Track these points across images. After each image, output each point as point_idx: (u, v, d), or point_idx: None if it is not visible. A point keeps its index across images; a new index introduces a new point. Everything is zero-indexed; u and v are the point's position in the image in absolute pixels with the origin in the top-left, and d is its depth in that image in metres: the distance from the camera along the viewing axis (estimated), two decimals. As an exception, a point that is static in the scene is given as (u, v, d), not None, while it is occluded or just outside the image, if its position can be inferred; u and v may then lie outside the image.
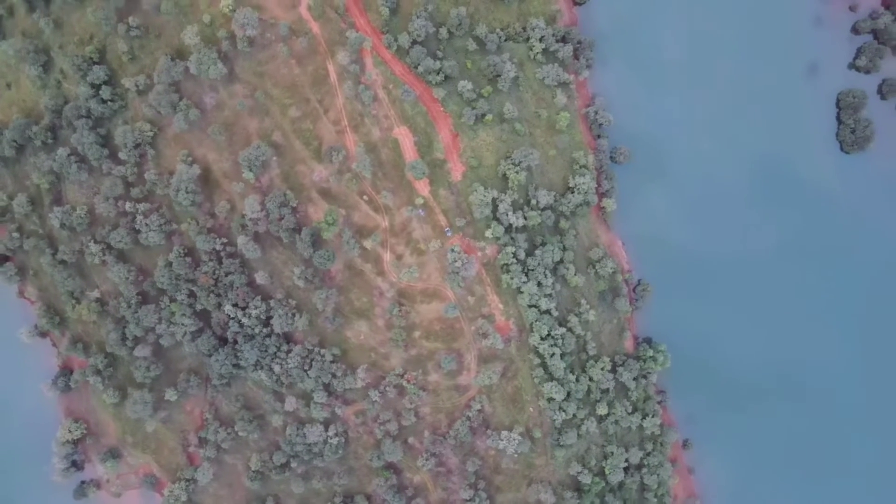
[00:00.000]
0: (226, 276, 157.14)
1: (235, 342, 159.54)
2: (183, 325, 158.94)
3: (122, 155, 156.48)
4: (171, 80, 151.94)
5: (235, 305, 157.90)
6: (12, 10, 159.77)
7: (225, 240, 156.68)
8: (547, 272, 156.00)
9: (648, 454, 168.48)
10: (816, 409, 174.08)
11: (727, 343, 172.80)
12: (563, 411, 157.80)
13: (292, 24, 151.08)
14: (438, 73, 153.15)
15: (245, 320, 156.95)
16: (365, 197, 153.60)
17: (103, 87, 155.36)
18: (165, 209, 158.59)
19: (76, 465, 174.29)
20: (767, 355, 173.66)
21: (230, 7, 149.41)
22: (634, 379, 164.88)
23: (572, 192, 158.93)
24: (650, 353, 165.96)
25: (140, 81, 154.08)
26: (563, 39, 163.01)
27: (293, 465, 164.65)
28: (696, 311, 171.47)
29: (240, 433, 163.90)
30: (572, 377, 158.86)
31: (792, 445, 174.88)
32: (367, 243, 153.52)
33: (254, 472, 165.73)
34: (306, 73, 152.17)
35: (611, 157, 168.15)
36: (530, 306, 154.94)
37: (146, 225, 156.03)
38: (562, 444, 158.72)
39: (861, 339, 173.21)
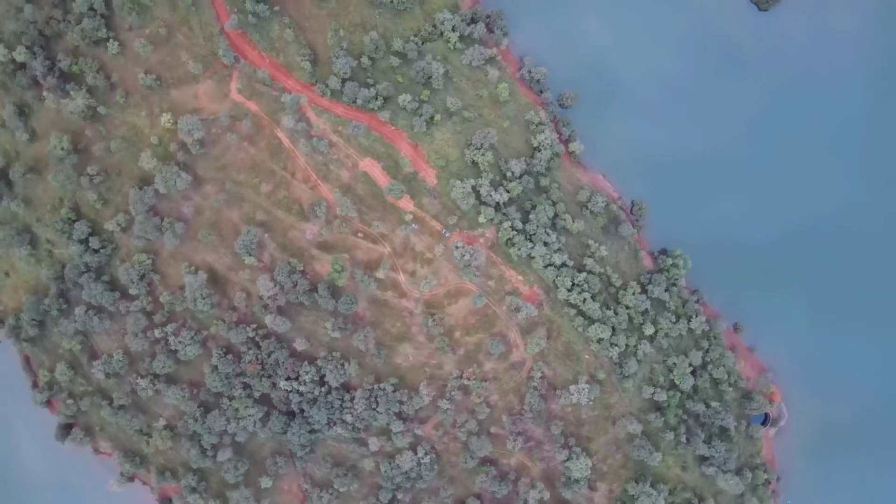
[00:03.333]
0: (269, 356, 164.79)
1: (302, 411, 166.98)
2: (250, 415, 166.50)
3: (132, 291, 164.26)
4: (146, 207, 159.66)
5: (288, 379, 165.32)
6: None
7: (254, 325, 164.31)
8: (547, 230, 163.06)
9: (707, 351, 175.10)
10: (843, 249, 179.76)
11: (734, 223, 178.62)
12: (615, 346, 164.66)
13: (231, 112, 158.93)
14: (377, 99, 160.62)
15: (302, 388, 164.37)
16: (360, 234, 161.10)
17: (90, 239, 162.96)
18: (191, 321, 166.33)
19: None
20: (776, 218, 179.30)
21: (170, 121, 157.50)
22: (666, 290, 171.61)
23: (539, 151, 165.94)
24: (669, 262, 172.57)
25: (120, 220, 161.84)
26: (473, 20, 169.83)
27: (399, 496, 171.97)
28: (694, 206, 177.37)
29: (340, 489, 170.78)
30: (610, 312, 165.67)
31: (836, 290, 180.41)
32: (380, 273, 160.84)
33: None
34: (261, 149, 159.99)
35: (560, 105, 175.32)
36: (546, 266, 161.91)
37: (180, 342, 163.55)
38: (626, 374, 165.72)
39: (854, 174, 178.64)
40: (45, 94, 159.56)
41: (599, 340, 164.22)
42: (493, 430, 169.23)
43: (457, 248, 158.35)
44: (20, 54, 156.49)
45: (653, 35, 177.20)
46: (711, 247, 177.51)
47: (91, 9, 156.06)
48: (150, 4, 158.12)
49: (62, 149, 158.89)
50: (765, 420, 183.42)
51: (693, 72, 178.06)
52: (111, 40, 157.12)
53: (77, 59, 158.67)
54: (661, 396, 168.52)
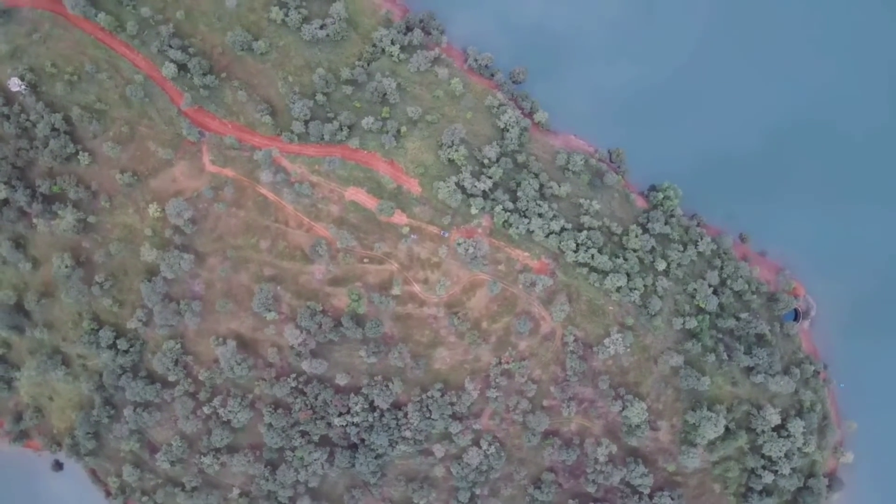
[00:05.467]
0: (316, 399, 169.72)
1: (363, 440, 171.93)
2: (315, 460, 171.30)
3: (171, 377, 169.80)
4: (160, 297, 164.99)
5: (341, 415, 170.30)
6: (9, 345, 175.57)
7: (294, 374, 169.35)
8: (538, 202, 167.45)
9: (722, 268, 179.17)
10: (825, 133, 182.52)
11: (712, 138, 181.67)
12: (634, 289, 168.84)
13: (211, 184, 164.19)
14: (341, 130, 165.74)
15: (356, 419, 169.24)
16: (365, 259, 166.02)
17: (117, 342, 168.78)
18: (234, 389, 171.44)
19: None
20: (751, 122, 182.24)
21: (158, 210, 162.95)
22: (665, 223, 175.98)
23: (507, 131, 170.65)
24: (661, 195, 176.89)
25: (140, 315, 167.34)
26: (408, 28, 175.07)
27: (478, 492, 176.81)
28: (670, 135, 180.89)
29: (421, 503, 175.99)
30: (620, 260, 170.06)
31: (827, 174, 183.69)
32: (395, 290, 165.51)
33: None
34: (250, 210, 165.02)
35: (513, 82, 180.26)
36: (547, 235, 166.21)
37: (230, 412, 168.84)
38: (652, 313, 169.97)
39: (822, 59, 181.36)
40: (34, 220, 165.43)
41: (618, 289, 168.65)
42: (545, 403, 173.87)
43: (459, 244, 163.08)
44: (0, 192, 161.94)
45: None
46: (697, 169, 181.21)
47: (53, 129, 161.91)
48: (105, 108, 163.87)
49: (66, 266, 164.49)
50: (796, 316, 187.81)
51: (630, 3, 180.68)
52: (80, 152, 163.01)
53: (55, 179, 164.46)
54: (692, 323, 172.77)
